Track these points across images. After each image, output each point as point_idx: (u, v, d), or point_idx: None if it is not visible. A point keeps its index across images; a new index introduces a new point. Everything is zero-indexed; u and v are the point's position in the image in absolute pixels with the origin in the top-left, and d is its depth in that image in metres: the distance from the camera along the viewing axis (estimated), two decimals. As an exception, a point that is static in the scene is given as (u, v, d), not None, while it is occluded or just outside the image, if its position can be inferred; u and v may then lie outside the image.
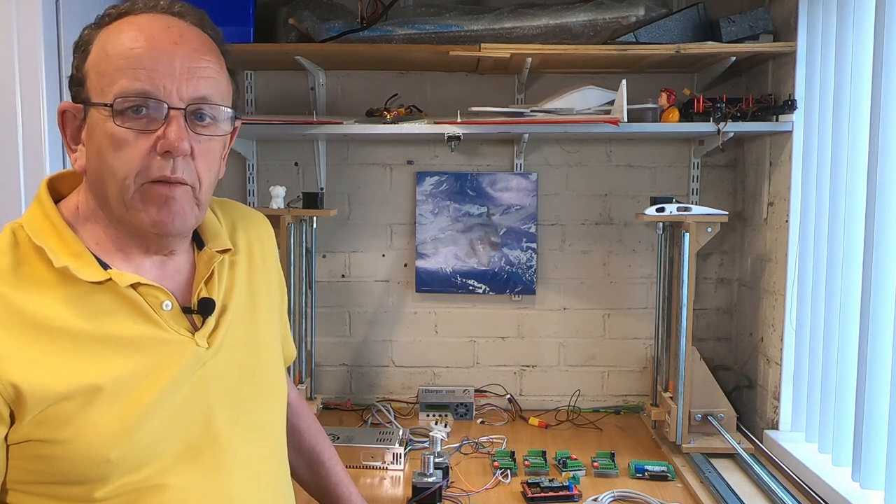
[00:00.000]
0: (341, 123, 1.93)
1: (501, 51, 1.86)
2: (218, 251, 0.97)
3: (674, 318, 1.88)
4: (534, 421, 2.10)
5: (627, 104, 1.81)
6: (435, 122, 1.95)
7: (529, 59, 1.91)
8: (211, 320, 0.92)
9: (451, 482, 1.66)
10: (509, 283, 2.21)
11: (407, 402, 2.24)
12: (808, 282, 1.78)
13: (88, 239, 0.87)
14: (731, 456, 1.82)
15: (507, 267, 2.21)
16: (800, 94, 1.81)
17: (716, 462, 1.78)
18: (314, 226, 2.03)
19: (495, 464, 1.75)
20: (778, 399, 1.88)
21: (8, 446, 0.80)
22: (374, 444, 1.78)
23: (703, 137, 2.09)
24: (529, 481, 1.64)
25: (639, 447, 1.91)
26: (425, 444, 1.86)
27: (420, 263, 2.22)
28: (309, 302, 2.03)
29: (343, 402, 2.24)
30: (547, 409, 2.21)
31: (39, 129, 1.46)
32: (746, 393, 2.10)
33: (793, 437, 1.82)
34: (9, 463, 0.81)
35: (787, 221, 1.86)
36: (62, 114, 0.88)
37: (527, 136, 2.03)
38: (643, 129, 1.92)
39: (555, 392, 2.26)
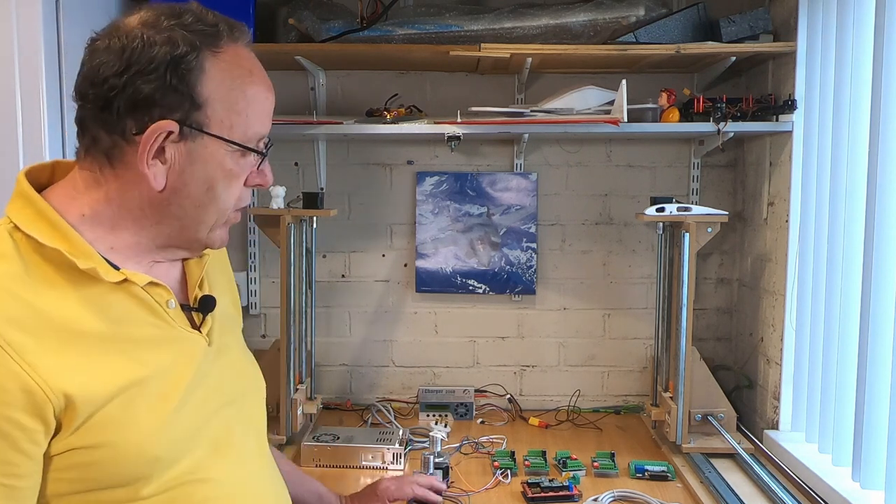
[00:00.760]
0: (341, 123, 1.93)
1: (501, 51, 1.86)
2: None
3: (674, 318, 1.88)
4: (534, 421, 2.10)
5: (627, 104, 1.81)
6: (435, 122, 1.95)
7: (529, 59, 1.91)
8: (209, 318, 0.95)
9: (451, 482, 1.66)
10: (509, 283, 2.21)
11: (407, 402, 2.24)
12: (808, 282, 1.78)
13: (96, 242, 0.85)
14: (731, 456, 1.82)
15: (507, 267, 2.21)
16: (800, 94, 1.81)
17: (716, 462, 1.78)
18: (314, 226, 2.02)
19: (495, 464, 1.75)
20: (778, 399, 1.88)
21: (51, 458, 0.79)
22: (374, 444, 1.78)
23: (703, 137, 2.08)
24: (529, 481, 1.64)
25: (639, 447, 1.91)
26: (425, 444, 1.86)
27: (420, 263, 2.22)
28: (309, 302, 2.03)
29: (343, 402, 2.24)
30: (547, 409, 2.21)
31: (40, 129, 1.46)
32: (746, 393, 2.10)
33: (793, 437, 1.82)
34: (48, 476, 0.79)
35: (787, 221, 1.86)
36: (168, 134, 0.83)
37: (527, 136, 2.03)
38: (643, 129, 1.92)
39: (555, 392, 2.26)
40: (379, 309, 2.26)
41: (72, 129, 0.99)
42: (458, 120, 1.91)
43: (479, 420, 2.13)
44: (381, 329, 2.27)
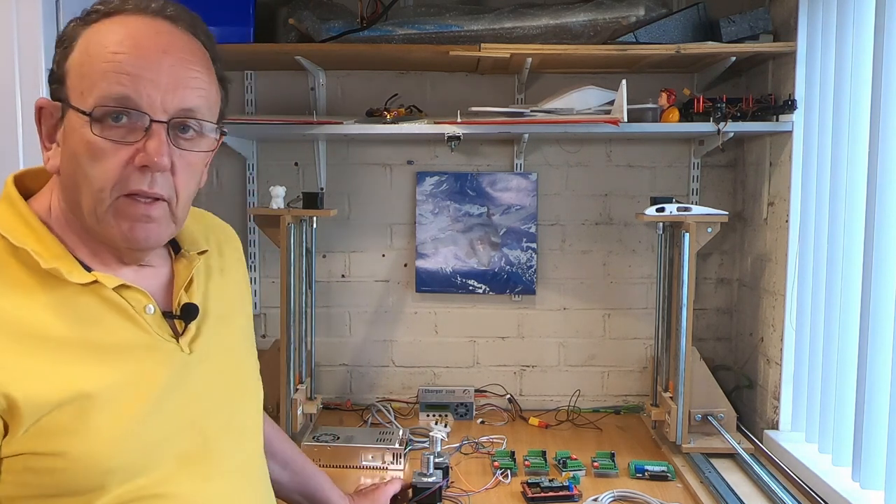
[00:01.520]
0: (341, 123, 1.93)
1: (501, 51, 1.86)
2: (196, 253, 0.96)
3: (674, 318, 1.88)
4: (534, 421, 2.10)
5: (627, 104, 1.81)
6: (435, 122, 1.95)
7: (529, 59, 1.91)
8: (193, 326, 0.91)
9: (451, 482, 1.66)
10: (509, 283, 2.21)
11: (407, 402, 2.24)
12: (808, 282, 1.78)
13: (77, 247, 0.84)
14: (731, 456, 1.82)
15: (507, 267, 2.21)
16: (800, 94, 1.81)
17: (716, 462, 1.78)
18: (314, 226, 2.02)
19: (495, 464, 1.75)
20: (778, 399, 1.88)
21: (0, 460, 0.77)
22: (374, 444, 1.78)
23: (703, 137, 2.08)
24: (529, 481, 1.64)
25: (639, 447, 1.91)
26: (425, 444, 1.86)
27: (420, 263, 2.22)
28: (309, 302, 2.03)
29: (343, 402, 2.24)
30: (547, 409, 2.21)
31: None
32: (746, 393, 2.10)
33: (793, 437, 1.82)
34: (1, 478, 0.78)
35: (787, 221, 1.86)
36: (39, 110, 0.83)
37: (527, 136, 2.02)
38: (643, 129, 1.92)
39: (555, 392, 2.26)
40: (379, 309, 2.26)
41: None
42: (458, 120, 1.91)
43: (479, 420, 2.13)
44: (381, 329, 2.27)
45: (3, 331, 0.76)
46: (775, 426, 1.89)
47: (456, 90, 2.18)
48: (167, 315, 0.90)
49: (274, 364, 1.90)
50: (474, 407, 2.15)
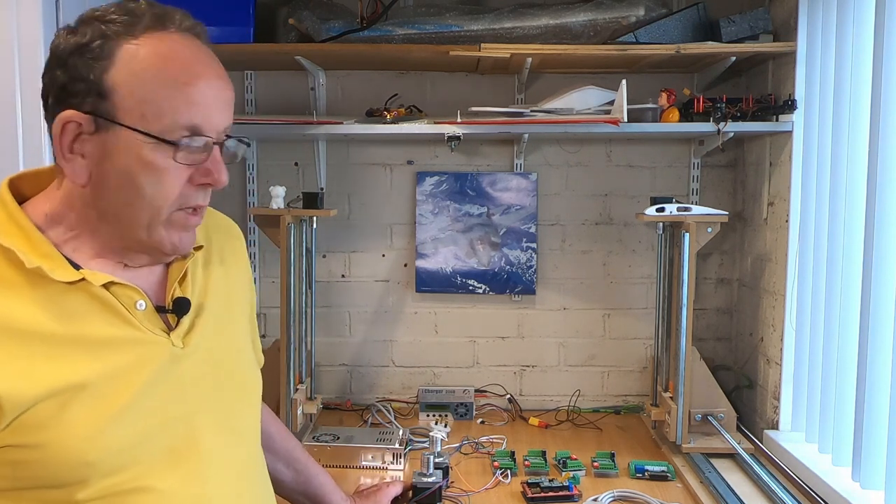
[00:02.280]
0: (341, 123, 1.93)
1: (501, 51, 1.86)
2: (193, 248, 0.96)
3: (674, 318, 1.88)
4: (534, 421, 2.10)
5: (627, 104, 1.81)
6: (435, 122, 1.95)
7: (529, 59, 1.91)
8: (186, 320, 0.92)
9: (451, 482, 1.66)
10: (509, 283, 2.21)
11: (407, 402, 2.24)
12: (808, 282, 1.78)
13: (60, 243, 0.85)
14: (731, 456, 1.82)
15: (507, 267, 2.21)
16: (800, 94, 1.81)
17: (716, 462, 1.78)
18: (314, 226, 2.02)
19: (495, 464, 1.75)
20: (778, 399, 1.88)
21: None
22: (374, 444, 1.78)
23: (703, 137, 2.08)
24: (529, 481, 1.64)
25: (639, 447, 1.91)
26: (425, 444, 1.86)
27: (420, 263, 2.22)
28: (309, 302, 2.03)
29: (343, 402, 2.24)
30: (547, 409, 2.21)
31: (39, 129, 1.46)
32: (746, 393, 2.10)
33: (793, 437, 1.82)
34: None
35: (787, 221, 1.86)
36: (66, 124, 0.82)
37: (527, 136, 2.03)
38: (643, 129, 1.92)
39: (555, 392, 2.26)
40: (379, 309, 2.26)
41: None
42: (458, 120, 1.91)
43: (479, 420, 2.13)
44: (381, 329, 2.27)
45: None
46: (775, 426, 1.89)
47: (456, 90, 2.18)
48: (160, 310, 0.90)
49: (274, 364, 1.89)
50: (474, 407, 2.15)
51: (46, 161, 1.45)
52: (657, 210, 1.85)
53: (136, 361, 0.86)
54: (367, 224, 2.24)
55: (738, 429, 1.93)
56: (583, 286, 2.24)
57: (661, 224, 1.95)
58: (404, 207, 2.23)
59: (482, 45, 1.86)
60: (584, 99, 1.91)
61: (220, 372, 0.96)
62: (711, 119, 1.87)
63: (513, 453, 1.79)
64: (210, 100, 0.84)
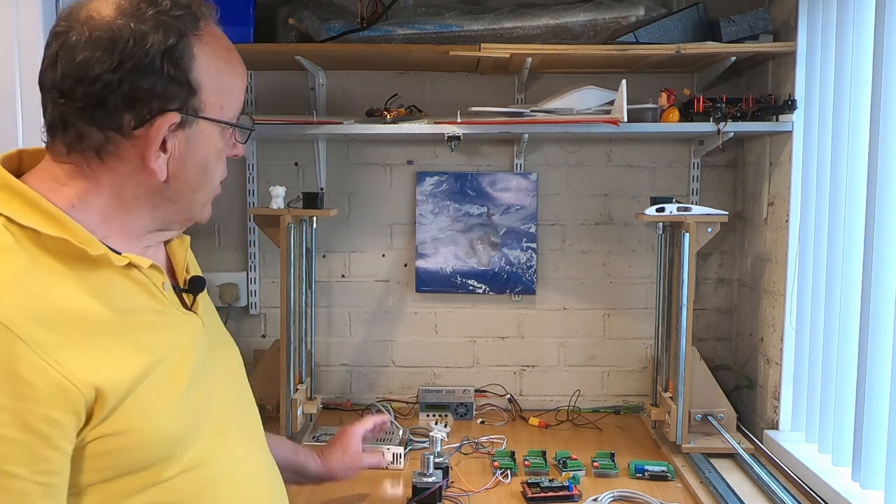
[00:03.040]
0: (341, 123, 1.93)
1: (501, 51, 1.86)
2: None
3: (674, 318, 1.88)
4: (534, 421, 2.10)
5: (627, 104, 1.81)
6: (435, 122, 1.95)
7: (529, 59, 1.91)
8: (198, 299, 0.96)
9: (451, 482, 1.66)
10: (509, 283, 2.21)
11: (407, 402, 2.24)
12: (808, 282, 1.78)
13: (91, 229, 0.83)
14: (731, 456, 1.82)
15: (507, 267, 2.21)
16: (800, 94, 1.81)
17: (716, 462, 1.78)
18: (314, 226, 2.02)
19: (495, 464, 1.75)
20: (778, 399, 1.88)
21: (83, 448, 0.78)
22: (374, 444, 1.78)
23: (703, 137, 2.09)
24: (529, 481, 1.64)
25: (639, 447, 1.91)
26: (425, 444, 1.86)
27: (420, 263, 2.22)
28: (309, 302, 2.03)
29: (343, 402, 2.24)
30: (547, 409, 2.21)
31: (39, 129, 1.46)
32: (746, 393, 2.10)
33: (793, 437, 1.82)
34: (81, 466, 0.78)
35: (787, 221, 1.86)
36: (161, 125, 0.82)
37: (527, 136, 2.03)
38: (643, 129, 1.92)
39: (555, 392, 2.26)
40: (379, 309, 2.26)
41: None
42: (458, 120, 1.91)
43: (479, 420, 2.13)
44: (381, 329, 2.27)
45: (62, 323, 0.76)
46: (775, 426, 1.89)
47: (456, 90, 2.18)
48: (175, 289, 0.94)
49: (274, 364, 1.90)
50: (474, 407, 2.15)
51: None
52: (657, 210, 1.85)
53: (182, 339, 0.89)
54: (367, 224, 2.24)
55: (738, 429, 1.93)
56: (583, 286, 2.24)
57: (661, 224, 1.95)
58: (404, 207, 2.23)
59: (482, 45, 1.86)
60: (584, 99, 1.91)
61: (221, 347, 1.02)
62: (711, 119, 1.87)
63: (513, 453, 1.79)
64: (245, 83, 0.95)
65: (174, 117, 0.82)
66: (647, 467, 1.72)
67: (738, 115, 1.87)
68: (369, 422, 1.56)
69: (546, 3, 2.00)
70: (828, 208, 1.69)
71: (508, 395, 2.24)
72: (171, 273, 0.97)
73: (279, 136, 2.15)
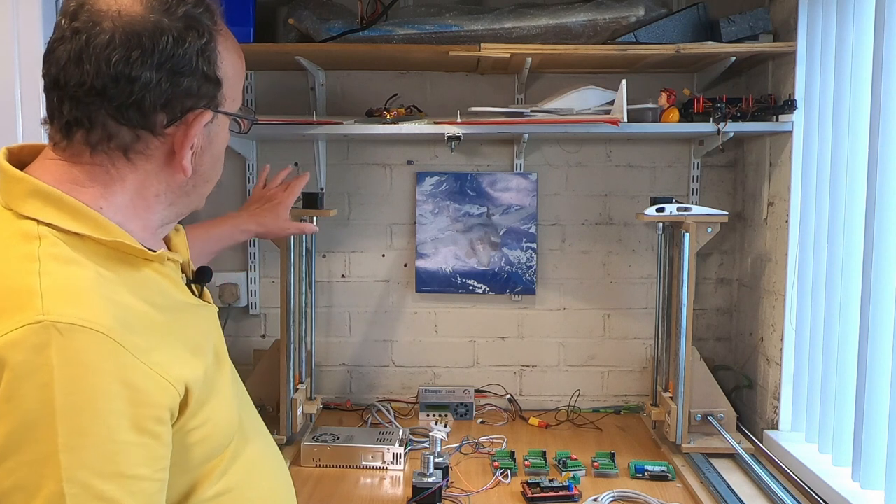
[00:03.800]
0: (341, 123, 1.93)
1: (501, 51, 1.86)
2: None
3: (674, 318, 1.88)
4: (534, 421, 2.10)
5: (627, 104, 1.81)
6: (435, 122, 1.95)
7: (529, 59, 1.91)
8: (206, 289, 0.99)
9: (451, 482, 1.66)
10: (509, 283, 2.21)
11: (407, 402, 2.24)
12: (808, 282, 1.78)
13: (127, 228, 0.83)
14: (731, 456, 1.82)
15: (507, 267, 2.21)
16: (800, 94, 1.81)
17: (716, 462, 1.78)
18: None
19: (495, 464, 1.75)
20: (778, 399, 1.88)
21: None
22: (374, 444, 1.78)
23: (703, 137, 2.09)
24: (529, 481, 1.64)
25: (639, 447, 1.91)
26: (425, 444, 1.86)
27: (420, 263, 2.22)
28: (309, 302, 2.03)
29: (343, 402, 2.24)
30: (547, 409, 2.21)
31: (39, 129, 1.46)
32: (746, 393, 2.10)
33: (793, 437, 1.82)
34: (176, 459, 0.80)
35: (787, 221, 1.86)
36: (197, 123, 0.82)
37: (527, 136, 2.02)
38: (643, 129, 1.92)
39: (555, 392, 2.26)
40: (379, 309, 2.26)
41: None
42: (458, 120, 1.91)
43: (479, 420, 2.13)
44: (381, 329, 2.27)
45: (142, 326, 0.76)
46: (775, 426, 1.89)
47: (456, 90, 2.18)
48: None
49: (274, 364, 1.90)
50: (474, 407, 2.15)
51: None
52: (657, 210, 1.85)
53: (210, 328, 0.92)
54: (367, 224, 2.24)
55: (738, 429, 1.93)
56: (583, 286, 2.24)
57: (661, 224, 1.95)
58: (404, 207, 2.23)
59: (482, 45, 1.86)
60: (584, 99, 1.90)
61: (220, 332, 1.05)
62: (711, 119, 1.87)
63: (513, 453, 1.79)
64: None
65: (208, 115, 0.83)
66: (647, 467, 1.72)
67: (738, 115, 1.87)
68: (299, 184, 1.68)
69: (546, 3, 2.00)
70: (828, 208, 1.69)
71: (508, 395, 2.24)
72: None
73: (279, 136, 2.15)
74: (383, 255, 2.25)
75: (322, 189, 2.18)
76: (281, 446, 1.84)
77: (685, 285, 1.82)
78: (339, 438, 1.81)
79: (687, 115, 1.89)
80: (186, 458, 0.81)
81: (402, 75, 2.19)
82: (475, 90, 2.18)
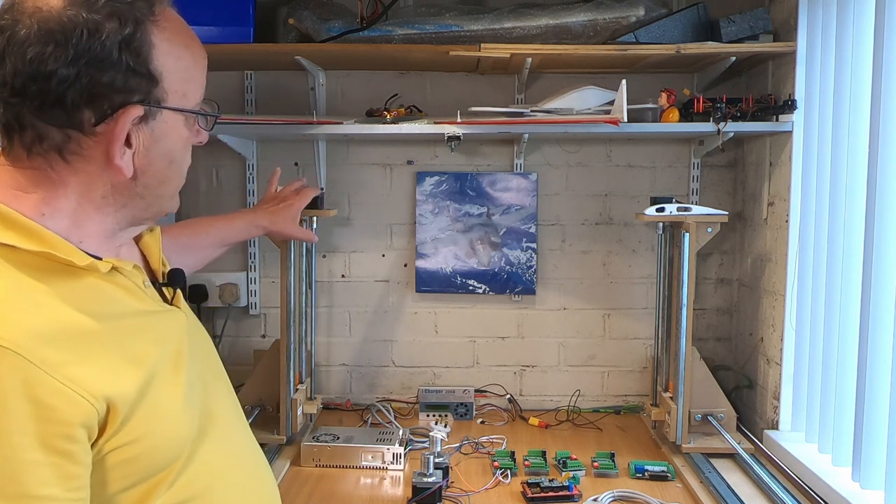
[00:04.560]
0: (341, 123, 1.93)
1: (501, 51, 1.86)
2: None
3: (674, 318, 1.88)
4: (534, 421, 2.10)
5: (627, 104, 1.81)
6: (435, 122, 1.95)
7: (529, 59, 1.91)
8: (178, 292, 0.96)
9: (451, 482, 1.66)
10: (509, 283, 2.21)
11: (407, 402, 2.24)
12: (808, 282, 1.78)
13: (65, 235, 0.80)
14: (731, 456, 1.82)
15: (507, 267, 2.21)
16: (800, 94, 1.81)
17: (716, 462, 1.78)
18: (314, 226, 2.02)
19: (495, 464, 1.75)
20: (778, 399, 1.88)
21: (97, 462, 0.77)
22: (374, 444, 1.78)
23: (703, 137, 2.09)
24: (529, 481, 1.64)
25: (639, 447, 1.91)
26: (425, 444, 1.86)
27: (420, 263, 2.22)
28: (309, 302, 2.03)
29: (343, 402, 2.24)
30: (547, 409, 2.21)
31: None
32: (746, 393, 2.10)
33: (793, 437, 1.82)
34: (105, 477, 0.77)
35: (787, 221, 1.86)
36: (125, 120, 0.78)
37: (527, 136, 2.02)
38: (643, 129, 1.92)
39: (555, 392, 2.26)
40: (379, 309, 2.26)
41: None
42: (458, 120, 1.91)
43: (479, 420, 2.13)
44: (381, 329, 2.27)
45: (64, 339, 0.74)
46: (775, 426, 1.89)
47: (456, 90, 2.18)
48: (154, 284, 0.92)
49: (274, 364, 1.90)
50: (474, 407, 2.15)
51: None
52: (657, 210, 1.85)
53: (170, 335, 0.88)
54: (367, 224, 2.24)
55: (738, 429, 1.93)
56: (583, 286, 2.24)
57: (661, 224, 1.95)
58: (404, 207, 2.23)
59: (482, 45, 1.86)
60: (584, 99, 1.90)
61: (198, 334, 0.99)
62: (711, 119, 1.87)
63: (513, 453, 1.79)
64: (206, 68, 0.89)
65: (137, 110, 0.78)
66: (647, 467, 1.72)
67: (738, 115, 1.87)
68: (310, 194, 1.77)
69: (546, 3, 2.00)
70: (828, 208, 1.69)
71: (508, 395, 2.24)
72: (147, 268, 0.95)
73: (279, 136, 2.15)
74: (383, 255, 2.25)
75: (322, 189, 2.18)
76: (281, 446, 1.85)
77: (685, 285, 1.82)
78: (339, 438, 1.81)
79: (687, 115, 1.89)
80: (121, 474, 0.78)
81: (402, 75, 2.19)
82: (475, 90, 2.18)
